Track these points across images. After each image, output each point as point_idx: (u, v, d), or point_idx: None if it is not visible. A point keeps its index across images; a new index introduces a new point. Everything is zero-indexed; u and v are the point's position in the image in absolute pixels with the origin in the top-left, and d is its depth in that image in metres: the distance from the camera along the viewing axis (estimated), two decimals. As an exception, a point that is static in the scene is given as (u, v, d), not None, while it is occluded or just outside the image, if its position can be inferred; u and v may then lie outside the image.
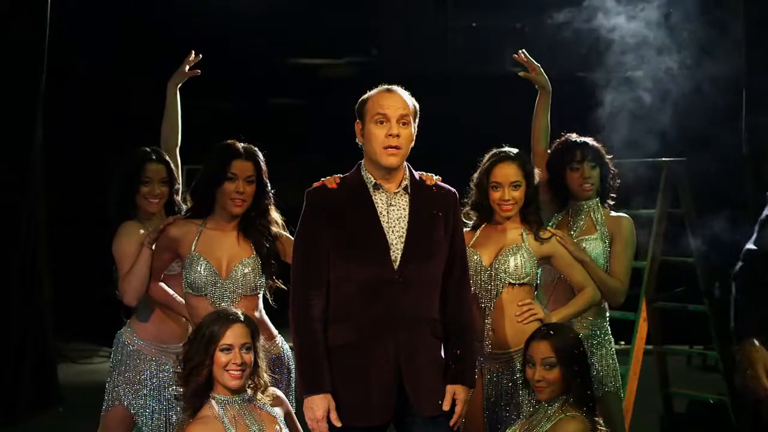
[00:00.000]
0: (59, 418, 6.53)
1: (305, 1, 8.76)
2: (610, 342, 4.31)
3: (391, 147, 3.41)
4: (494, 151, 4.06)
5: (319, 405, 3.36)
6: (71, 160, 8.05)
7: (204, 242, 3.84)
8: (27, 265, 6.39)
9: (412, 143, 3.49)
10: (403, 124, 3.43)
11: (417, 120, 3.51)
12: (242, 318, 3.45)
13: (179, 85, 4.46)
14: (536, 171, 4.07)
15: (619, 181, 4.36)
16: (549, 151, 4.36)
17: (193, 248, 3.84)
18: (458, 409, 3.45)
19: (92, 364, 8.18)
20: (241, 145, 3.88)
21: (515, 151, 4.03)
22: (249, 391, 3.46)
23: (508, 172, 3.96)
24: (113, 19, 8.36)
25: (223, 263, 3.84)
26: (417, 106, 3.52)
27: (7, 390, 6.31)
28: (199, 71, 4.49)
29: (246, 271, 3.83)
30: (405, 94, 3.49)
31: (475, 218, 4.09)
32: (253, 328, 3.47)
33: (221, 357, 3.38)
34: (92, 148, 7.96)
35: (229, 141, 3.90)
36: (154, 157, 4.15)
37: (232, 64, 7.85)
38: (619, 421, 4.30)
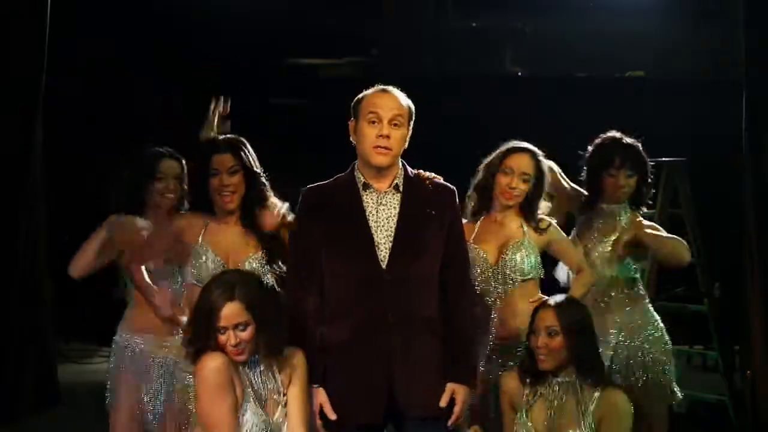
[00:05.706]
0: (59, 418, 6.53)
1: (305, 1, 8.76)
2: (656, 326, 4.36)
3: (381, 147, 3.41)
4: (512, 142, 4.08)
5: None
6: (71, 160, 8.04)
7: (210, 235, 3.85)
8: (27, 265, 6.38)
9: (405, 144, 3.48)
10: (395, 125, 3.41)
11: (412, 122, 3.49)
12: (236, 293, 3.29)
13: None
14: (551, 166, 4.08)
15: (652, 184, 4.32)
16: (588, 150, 4.31)
17: (199, 240, 3.84)
18: (456, 409, 3.43)
19: (92, 364, 8.16)
20: (221, 138, 3.88)
21: (532, 146, 4.06)
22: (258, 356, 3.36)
23: (521, 162, 4.01)
24: (113, 19, 8.35)
25: (230, 256, 3.84)
26: (412, 108, 3.50)
27: (7, 390, 6.30)
28: (228, 110, 4.29)
29: (254, 266, 3.83)
30: (400, 96, 3.48)
31: (474, 202, 4.09)
32: (251, 296, 3.31)
33: (220, 337, 3.30)
34: (92, 149, 7.95)
35: (210, 137, 3.91)
36: (167, 154, 4.19)
37: (232, 64, 7.83)
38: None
